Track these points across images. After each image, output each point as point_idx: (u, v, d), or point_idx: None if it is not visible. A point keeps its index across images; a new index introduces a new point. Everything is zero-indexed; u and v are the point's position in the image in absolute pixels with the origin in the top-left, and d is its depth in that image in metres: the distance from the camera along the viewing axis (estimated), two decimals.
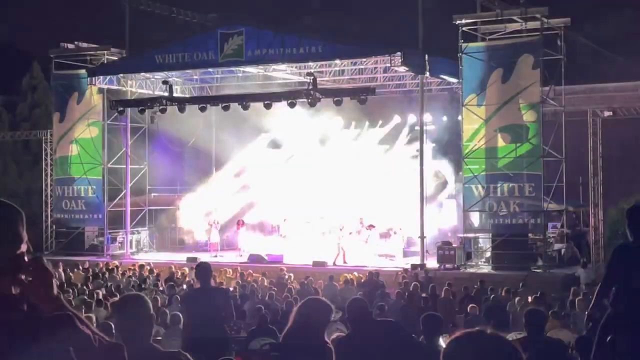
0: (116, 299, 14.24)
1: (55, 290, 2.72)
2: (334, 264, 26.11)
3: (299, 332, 5.70)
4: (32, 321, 2.62)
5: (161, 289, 19.79)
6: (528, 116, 24.95)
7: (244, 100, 26.64)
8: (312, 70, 25.96)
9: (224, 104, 27.05)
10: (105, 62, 30.85)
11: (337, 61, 26.68)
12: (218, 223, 30.62)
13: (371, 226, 28.17)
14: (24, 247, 2.74)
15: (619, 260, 7.13)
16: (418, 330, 7.84)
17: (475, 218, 25.99)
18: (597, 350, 6.88)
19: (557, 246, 26.14)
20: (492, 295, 17.91)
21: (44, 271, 2.71)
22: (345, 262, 26.33)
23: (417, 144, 27.45)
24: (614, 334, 6.83)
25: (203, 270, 9.35)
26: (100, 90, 30.64)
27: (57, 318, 2.65)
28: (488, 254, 25.20)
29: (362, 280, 21.62)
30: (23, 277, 2.68)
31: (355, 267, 24.82)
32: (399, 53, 24.53)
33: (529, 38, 25.08)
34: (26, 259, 2.73)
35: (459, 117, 26.79)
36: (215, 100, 27.61)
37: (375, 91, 24.98)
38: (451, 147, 29.01)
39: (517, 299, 16.84)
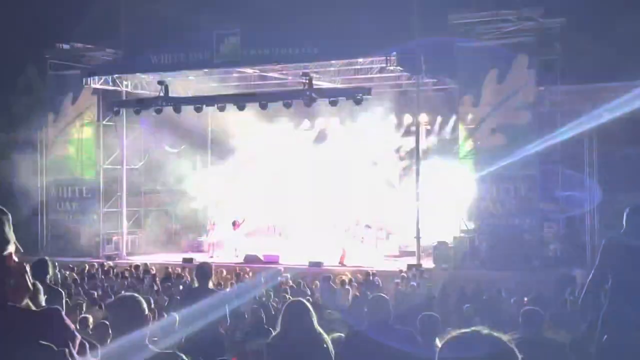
0: (111, 299, 14.23)
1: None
2: (341, 263, 26.09)
3: (289, 333, 5.85)
4: (22, 315, 2.61)
5: (156, 289, 19.76)
6: (523, 116, 24.97)
7: (240, 100, 26.62)
8: (307, 70, 25.95)
9: (219, 104, 27.03)
10: (101, 62, 30.79)
11: (333, 61, 26.65)
12: (214, 224, 30.55)
13: (367, 226, 28.15)
14: (11, 248, 2.70)
15: (610, 254, 7.14)
16: (413, 331, 7.83)
17: (470, 218, 25.99)
18: (597, 348, 6.87)
19: (552, 246, 26.14)
20: (488, 296, 17.92)
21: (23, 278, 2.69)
22: (340, 263, 26.31)
23: (412, 144, 27.44)
24: (614, 330, 6.81)
25: (202, 270, 9.58)
26: (96, 91, 30.60)
27: (47, 312, 2.64)
28: (484, 254, 25.19)
29: (358, 281, 21.61)
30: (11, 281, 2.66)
31: (351, 268, 24.80)
32: (394, 53, 24.55)
33: (525, 38, 25.10)
34: (15, 259, 2.71)
35: (455, 117, 26.77)
36: (211, 100, 27.56)
37: (371, 91, 24.97)
38: (446, 147, 28.96)
39: (513, 299, 16.85)
